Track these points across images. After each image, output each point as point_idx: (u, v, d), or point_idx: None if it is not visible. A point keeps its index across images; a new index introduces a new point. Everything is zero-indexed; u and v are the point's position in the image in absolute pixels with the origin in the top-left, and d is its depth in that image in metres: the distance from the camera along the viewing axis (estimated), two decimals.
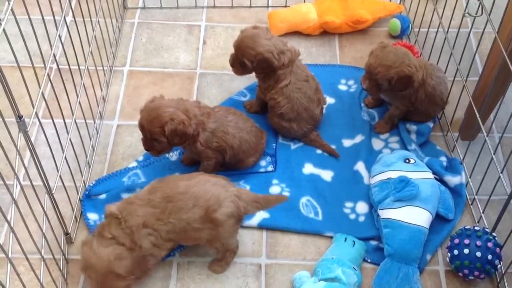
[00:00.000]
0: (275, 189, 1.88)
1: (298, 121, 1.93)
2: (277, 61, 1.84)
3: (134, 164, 1.92)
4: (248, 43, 1.85)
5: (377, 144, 2.01)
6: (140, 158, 1.93)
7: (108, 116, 2.06)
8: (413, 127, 2.00)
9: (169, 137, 1.68)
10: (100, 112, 2.02)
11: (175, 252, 1.72)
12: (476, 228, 1.66)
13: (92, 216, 1.78)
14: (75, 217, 1.75)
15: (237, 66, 1.91)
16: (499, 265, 1.65)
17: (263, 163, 1.93)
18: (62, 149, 1.63)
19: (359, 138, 2.02)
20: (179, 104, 1.71)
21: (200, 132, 1.74)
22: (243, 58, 1.86)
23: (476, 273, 1.62)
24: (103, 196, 1.83)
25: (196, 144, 1.75)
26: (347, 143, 2.01)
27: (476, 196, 1.82)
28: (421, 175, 1.78)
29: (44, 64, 1.46)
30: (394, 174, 1.78)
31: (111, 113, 2.07)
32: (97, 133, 1.98)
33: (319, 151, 1.98)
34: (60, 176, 1.60)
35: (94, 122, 1.96)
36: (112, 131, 2.02)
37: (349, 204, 1.85)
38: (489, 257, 1.60)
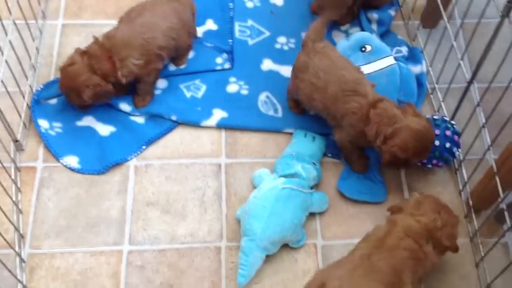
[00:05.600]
0: (232, 87, 1.82)
1: None
2: None
3: None
4: None
5: (337, 36, 1.94)
6: None
7: (51, 15, 1.93)
8: (374, 16, 1.93)
9: (93, 101, 1.65)
10: (42, 11, 1.89)
11: (132, 156, 1.68)
12: (435, 117, 1.65)
13: (43, 123, 1.70)
14: (24, 123, 1.68)
15: None
16: (457, 153, 1.66)
17: (219, 60, 1.86)
18: (1, 52, 1.53)
19: None
20: (88, 64, 1.61)
21: (117, 66, 1.63)
22: None
23: (434, 161, 1.62)
24: (53, 101, 1.75)
25: (122, 80, 1.65)
26: None
27: (436, 85, 1.80)
28: (379, 65, 1.74)
29: None
30: None
31: (54, 12, 1.94)
32: (41, 34, 1.86)
33: (278, 46, 1.90)
34: (2, 81, 1.51)
35: (37, 22, 1.83)
36: (57, 31, 1.89)
37: None
38: (447, 145, 1.60)
